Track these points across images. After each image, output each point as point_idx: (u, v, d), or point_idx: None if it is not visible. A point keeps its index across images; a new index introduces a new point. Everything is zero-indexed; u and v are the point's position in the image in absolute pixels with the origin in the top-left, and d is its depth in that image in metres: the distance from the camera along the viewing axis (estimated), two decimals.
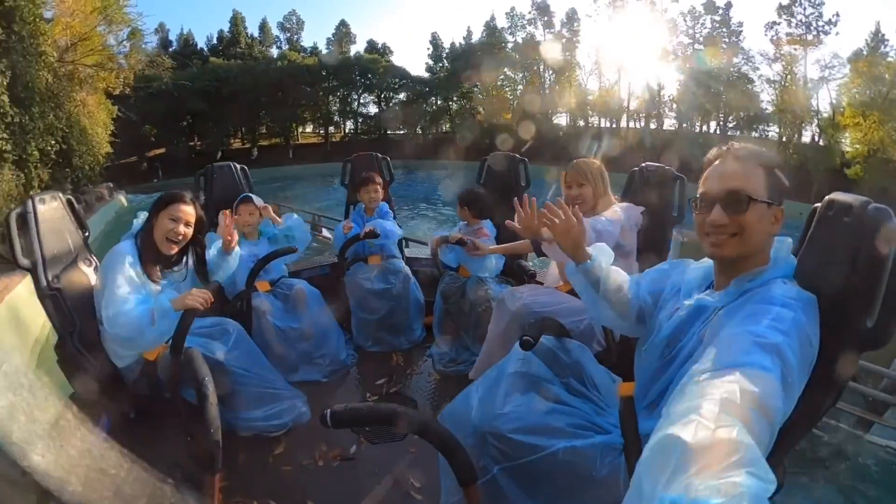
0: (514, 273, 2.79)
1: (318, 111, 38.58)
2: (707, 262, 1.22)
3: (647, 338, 1.31)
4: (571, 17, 35.42)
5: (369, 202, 3.06)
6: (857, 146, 21.84)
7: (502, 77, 37.25)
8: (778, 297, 0.97)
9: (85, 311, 1.83)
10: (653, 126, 32.98)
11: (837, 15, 25.88)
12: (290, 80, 34.70)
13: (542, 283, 2.40)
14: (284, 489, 1.81)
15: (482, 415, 1.31)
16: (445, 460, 1.06)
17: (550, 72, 36.31)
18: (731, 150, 1.11)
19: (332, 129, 39.88)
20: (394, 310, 2.89)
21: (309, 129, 40.70)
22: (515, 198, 1.66)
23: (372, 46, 40.75)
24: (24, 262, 1.75)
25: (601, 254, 1.39)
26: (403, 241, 6.01)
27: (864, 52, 23.79)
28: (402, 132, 39.47)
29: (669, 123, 32.78)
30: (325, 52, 39.79)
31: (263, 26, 40.57)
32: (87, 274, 1.98)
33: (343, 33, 40.74)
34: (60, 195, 2.03)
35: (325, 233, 9.08)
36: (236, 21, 39.44)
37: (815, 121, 25.98)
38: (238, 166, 3.13)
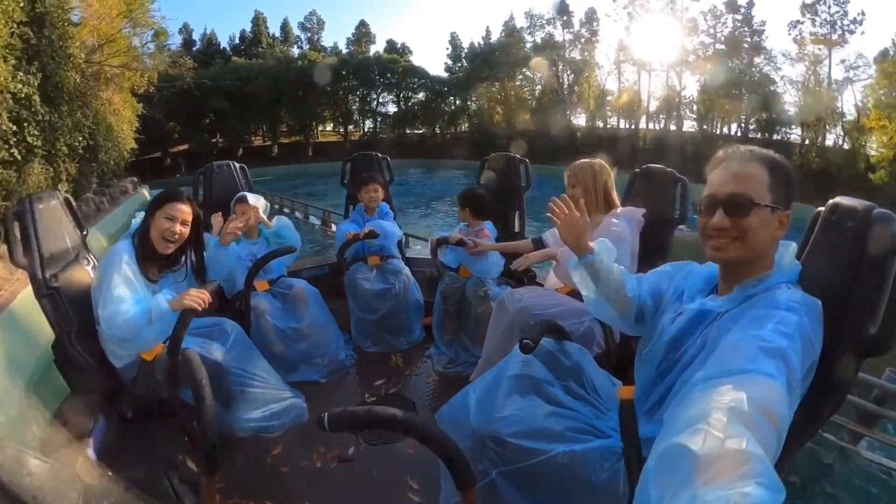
0: (514, 274, 2.72)
1: (338, 110, 38.95)
2: (711, 265, 1.20)
3: (649, 341, 1.29)
4: (590, 17, 35.18)
5: (369, 202, 3.05)
6: (883, 150, 20.99)
7: (520, 77, 37.06)
8: (782, 302, 0.96)
9: (83, 311, 1.82)
10: (672, 128, 32.44)
11: (863, 13, 25.32)
12: (310, 80, 35.01)
13: (542, 285, 2.37)
14: (282, 490, 1.79)
15: (481, 417, 1.30)
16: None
17: (569, 72, 35.97)
18: (737, 153, 1.09)
19: (351, 127, 40.17)
20: (393, 310, 2.87)
21: (329, 127, 41.02)
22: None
23: (391, 46, 41.04)
24: (22, 261, 1.75)
25: (604, 250, 1.39)
26: (405, 240, 6.05)
27: (891, 53, 22.98)
28: (420, 131, 39.61)
29: (689, 125, 32.22)
30: (345, 51, 40.13)
31: (285, 26, 41.31)
32: (85, 273, 1.96)
33: (363, 33, 41.13)
34: (58, 194, 2.02)
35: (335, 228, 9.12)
36: (258, 21, 40.19)
37: (839, 123, 25.28)
38: (237, 165, 3.13)
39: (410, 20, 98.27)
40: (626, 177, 2.37)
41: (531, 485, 1.19)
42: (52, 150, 9.01)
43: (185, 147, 33.04)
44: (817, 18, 25.91)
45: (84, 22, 13.13)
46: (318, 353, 2.58)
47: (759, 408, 0.71)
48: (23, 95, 7.70)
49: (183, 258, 2.01)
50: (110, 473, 1.56)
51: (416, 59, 43.52)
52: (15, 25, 7.50)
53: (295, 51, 40.78)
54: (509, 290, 2.35)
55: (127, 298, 1.72)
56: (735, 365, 0.82)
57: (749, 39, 29.07)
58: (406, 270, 2.99)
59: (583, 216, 1.40)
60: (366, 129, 40.85)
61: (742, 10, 29.44)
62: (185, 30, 38.82)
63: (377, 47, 41.55)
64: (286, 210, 15.31)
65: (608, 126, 35.32)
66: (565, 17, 35.83)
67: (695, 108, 31.73)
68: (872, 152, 22.05)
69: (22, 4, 7.70)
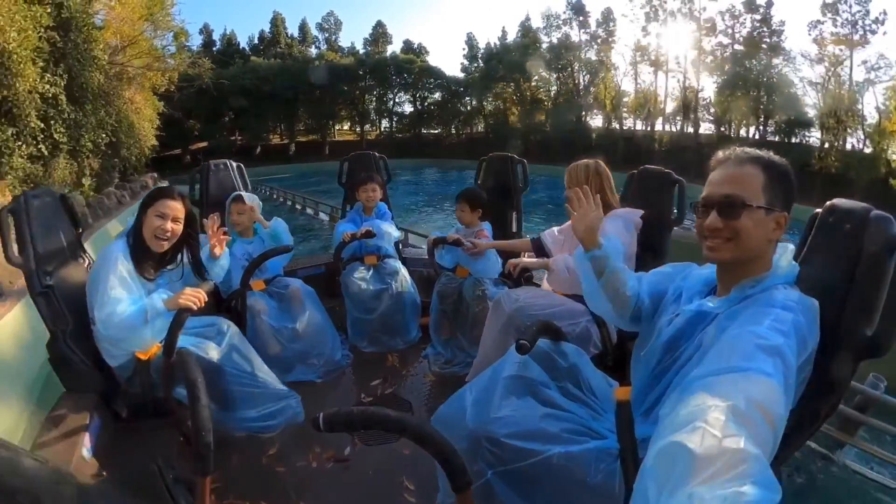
0: (512, 275, 2.70)
1: (355, 109, 39.14)
2: (710, 267, 1.20)
3: (646, 342, 1.29)
4: (607, 17, 34.83)
5: (367, 201, 3.02)
6: None
7: (536, 77, 36.82)
8: (779, 300, 0.97)
9: (78, 310, 1.80)
10: (689, 130, 31.90)
11: (885, 13, 24.47)
12: (327, 79, 35.26)
13: (538, 285, 2.34)
14: (278, 490, 1.77)
15: (477, 418, 1.29)
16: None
17: (585, 73, 35.64)
18: (733, 155, 1.09)
19: (367, 126, 40.32)
20: (390, 310, 2.84)
21: (346, 126, 41.24)
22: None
23: (408, 47, 41.15)
24: (17, 259, 1.73)
25: (611, 247, 1.38)
26: (406, 236, 6.00)
27: None
28: (436, 131, 39.60)
29: (706, 128, 31.70)
30: (362, 52, 40.31)
31: (303, 27, 41.64)
32: (81, 271, 1.95)
33: (380, 33, 41.29)
34: (54, 191, 2.01)
35: None
36: (277, 22, 40.49)
37: (860, 127, 24.54)
38: (234, 164, 3.13)
39: (427, 21, 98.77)
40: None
41: (527, 486, 1.19)
42: (76, 146, 9.48)
43: (204, 144, 33.48)
44: (838, 18, 25.19)
45: (107, 24, 13.40)
46: (315, 353, 2.56)
47: (756, 407, 0.72)
48: (50, 95, 8.15)
49: (179, 256, 2.00)
50: (105, 473, 1.57)
51: (433, 60, 43.75)
52: (43, 30, 7.88)
53: (313, 51, 41.24)
54: (506, 291, 2.33)
55: (123, 299, 1.71)
56: (732, 363, 0.82)
57: (768, 40, 28.44)
58: (403, 270, 2.97)
59: (598, 211, 1.38)
60: (382, 129, 41.01)
61: (761, 10, 28.81)
62: (206, 30, 39.59)
63: (394, 47, 41.92)
64: (298, 206, 15.43)
65: (624, 128, 34.86)
66: (581, 18, 35.52)
67: (712, 109, 31.17)
68: (894, 157, 21.43)
69: (49, 10, 8.12)
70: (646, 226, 2.09)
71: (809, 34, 26.85)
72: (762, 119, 28.84)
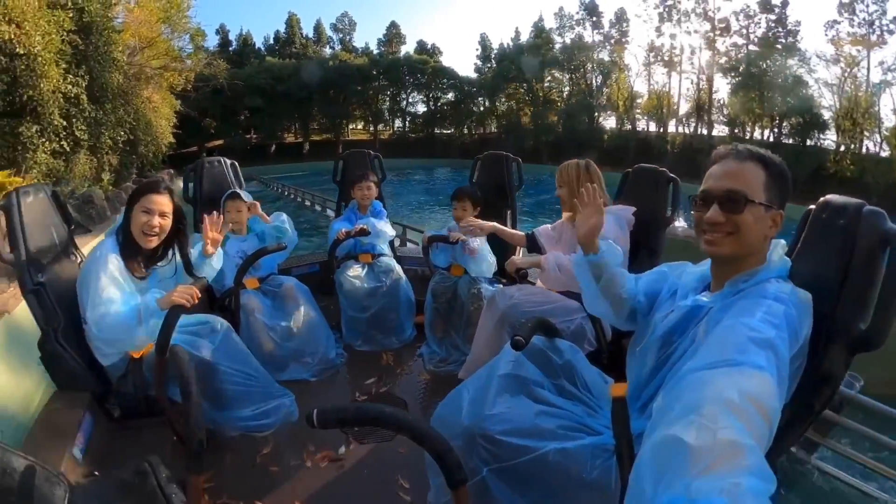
0: (506, 272, 2.66)
1: (369, 109, 39.18)
2: (704, 264, 1.21)
3: (641, 338, 1.30)
4: (620, 18, 34.37)
5: (362, 199, 3.00)
6: None
7: (549, 78, 36.50)
8: (771, 293, 0.97)
9: (69, 307, 1.77)
10: (703, 132, 31.25)
11: None
12: (341, 79, 35.43)
13: (533, 283, 2.32)
14: (272, 490, 1.74)
15: (472, 416, 1.28)
16: (432, 460, 1.03)
17: (597, 73, 35.23)
18: (736, 150, 1.09)
19: (381, 126, 40.38)
20: (384, 308, 2.81)
21: (360, 126, 41.30)
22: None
23: (422, 47, 41.12)
24: (8, 256, 1.71)
25: (610, 251, 1.38)
26: (404, 231, 5.98)
27: None
28: (449, 132, 39.50)
29: (720, 130, 30.80)
30: (375, 52, 40.35)
31: (317, 27, 41.76)
32: (73, 268, 1.91)
33: (393, 34, 41.31)
34: (45, 188, 1.97)
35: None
36: (292, 22, 40.75)
37: (877, 129, 23.76)
38: (228, 162, 3.10)
39: (441, 21, 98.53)
40: None
41: (522, 482, 1.18)
42: (96, 143, 9.91)
43: (220, 142, 33.79)
44: (855, 18, 24.44)
45: (126, 27, 13.76)
46: (309, 351, 2.52)
47: (750, 400, 0.72)
48: (72, 95, 8.51)
49: (169, 252, 1.95)
50: (97, 473, 1.55)
51: (446, 60, 43.72)
52: (65, 34, 8.26)
53: (327, 51, 41.32)
54: (500, 288, 2.33)
55: (115, 299, 1.68)
56: (725, 356, 0.82)
57: (783, 40, 27.73)
58: (397, 269, 2.93)
59: (601, 216, 1.38)
60: (395, 129, 41.03)
61: (776, 10, 28.10)
62: (222, 30, 39.85)
63: (408, 48, 41.85)
64: (308, 202, 15.51)
65: (637, 129, 34.31)
66: (595, 18, 35.10)
67: (725, 111, 30.41)
68: None
69: (71, 15, 8.47)
70: (640, 224, 2.07)
71: (825, 34, 26.05)
72: (777, 121, 28.03)
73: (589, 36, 35.68)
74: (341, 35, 42.36)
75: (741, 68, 28.21)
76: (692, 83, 32.05)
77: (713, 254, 1.09)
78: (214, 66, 19.86)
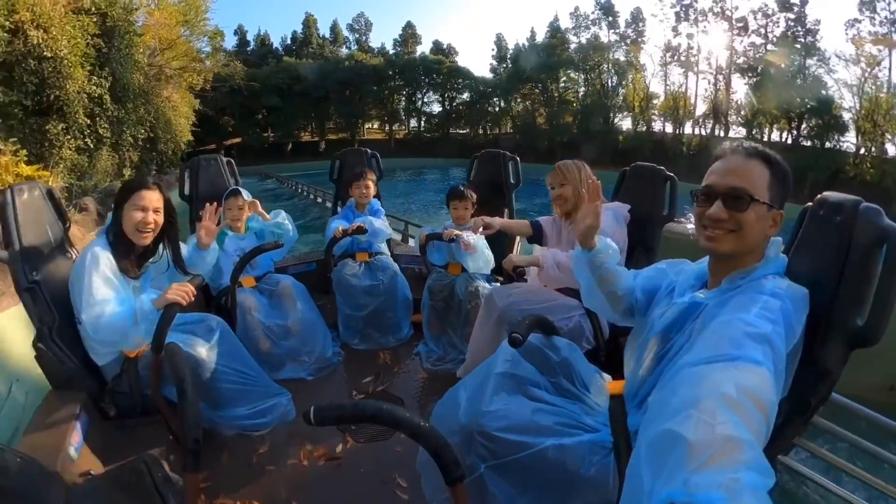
0: (503, 270, 2.61)
1: (384, 109, 39.21)
2: (702, 262, 1.20)
3: (639, 335, 1.29)
4: (636, 17, 33.78)
5: (360, 198, 2.96)
6: None
7: (564, 79, 36.07)
8: (767, 288, 0.97)
9: (64, 306, 1.73)
10: (720, 133, 30.41)
11: None
12: (357, 79, 35.54)
13: (525, 281, 2.30)
14: (268, 489, 1.72)
15: (469, 413, 1.27)
16: (425, 460, 1.05)
17: (613, 73, 34.69)
18: (741, 148, 1.08)
19: (396, 126, 40.37)
20: (381, 307, 2.77)
21: (375, 125, 41.38)
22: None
23: (437, 47, 41.11)
24: (2, 253, 1.68)
25: (607, 248, 1.38)
26: (405, 227, 5.94)
27: None
28: (464, 132, 39.33)
29: (736, 131, 29.88)
30: (391, 52, 40.33)
31: (334, 28, 41.90)
32: (68, 267, 1.84)
33: (409, 34, 41.28)
34: (40, 185, 1.94)
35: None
36: (309, 23, 40.94)
37: None
38: (224, 159, 3.08)
39: (457, 21, 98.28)
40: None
41: (520, 479, 1.16)
42: (118, 140, 10.36)
43: (238, 140, 34.07)
44: (876, 16, 23.58)
45: (146, 29, 14.05)
46: (305, 350, 2.49)
47: (747, 394, 0.72)
48: (96, 95, 8.92)
49: (160, 247, 1.91)
50: (92, 472, 1.52)
51: (462, 60, 43.57)
52: (90, 38, 8.67)
53: (344, 51, 41.39)
54: (498, 286, 2.30)
55: (109, 299, 1.64)
56: (722, 350, 0.82)
57: (802, 39, 26.87)
58: (394, 267, 2.89)
59: (598, 215, 1.37)
60: (411, 128, 40.95)
61: (795, 9, 27.20)
62: (241, 31, 40.33)
63: (423, 48, 41.86)
64: (319, 199, 15.60)
65: (652, 130, 33.64)
66: (610, 18, 34.56)
67: (742, 112, 29.56)
68: None
69: (95, 20, 8.92)
70: (637, 222, 2.07)
71: (846, 33, 25.01)
72: (795, 122, 27.07)
73: (605, 36, 35.16)
74: (357, 35, 42.54)
75: (759, 68, 27.46)
76: (709, 83, 31.37)
77: (713, 250, 1.08)
78: (231, 67, 20.22)
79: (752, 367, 0.78)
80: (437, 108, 40.68)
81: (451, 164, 32.97)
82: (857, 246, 1.01)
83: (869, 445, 1.69)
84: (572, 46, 35.84)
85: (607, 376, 1.45)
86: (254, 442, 1.93)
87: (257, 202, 2.63)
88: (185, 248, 2.04)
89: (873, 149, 23.14)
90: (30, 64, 7.34)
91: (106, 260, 1.69)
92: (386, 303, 2.78)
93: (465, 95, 39.83)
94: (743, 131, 29.14)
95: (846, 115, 24.73)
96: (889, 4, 23.01)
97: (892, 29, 23.21)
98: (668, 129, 33.00)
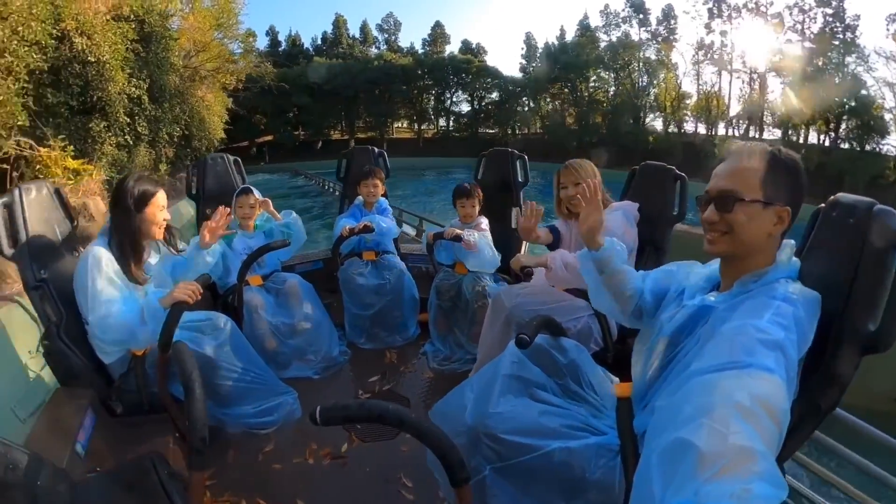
0: (511, 270, 2.55)
1: (413, 108, 39.24)
2: (713, 264, 1.17)
3: (647, 338, 1.25)
4: (668, 14, 32.76)
5: (368, 196, 2.91)
6: None
7: (594, 78, 35.25)
8: (780, 294, 0.93)
9: (72, 304, 1.72)
10: (754, 134, 29.08)
11: None
12: (386, 79, 35.69)
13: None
14: (274, 488, 1.70)
15: (475, 414, 1.26)
16: (435, 458, 1.00)
17: (644, 73, 33.71)
18: (739, 148, 1.07)
19: (425, 125, 40.34)
20: (388, 306, 2.72)
21: (404, 125, 41.43)
22: (531, 203, 1.91)
23: (466, 47, 40.79)
24: (10, 252, 1.67)
25: (613, 248, 1.36)
26: (420, 223, 5.85)
27: None
28: (492, 131, 38.97)
29: (771, 133, 28.52)
30: (420, 52, 40.32)
31: (363, 28, 41.97)
32: (75, 265, 1.79)
33: (438, 34, 41.10)
34: (48, 184, 1.94)
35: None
36: (339, 23, 41.08)
37: None
38: (231, 158, 3.06)
39: (486, 20, 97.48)
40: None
41: (525, 481, 1.16)
42: (155, 137, 10.83)
43: (269, 138, 34.67)
44: None
45: (181, 33, 14.41)
46: (312, 349, 2.45)
47: (760, 403, 0.69)
48: (135, 96, 9.40)
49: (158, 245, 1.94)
50: (99, 469, 1.52)
51: (491, 60, 43.17)
52: (129, 43, 9.21)
53: (373, 51, 41.36)
54: (506, 287, 2.25)
55: (115, 299, 1.64)
56: (734, 357, 0.79)
57: (840, 36, 25.48)
58: (401, 266, 2.83)
59: (601, 212, 1.37)
60: (439, 128, 40.82)
61: (833, 4, 25.80)
62: (272, 32, 40.81)
63: (452, 47, 41.65)
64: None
65: (684, 131, 32.49)
66: (641, 15, 33.60)
67: (778, 112, 27.91)
68: None
69: (134, 26, 9.47)
70: (647, 221, 2.01)
71: (887, 29, 23.44)
72: (832, 124, 25.43)
73: (635, 34, 34.20)
74: (387, 35, 42.51)
75: (795, 66, 26.09)
76: (743, 83, 30.08)
77: (711, 252, 1.06)
78: (262, 68, 20.62)
79: (764, 374, 0.75)
80: (465, 107, 40.49)
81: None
82: (871, 249, 0.97)
83: (853, 455, 1.62)
84: (602, 45, 35.02)
85: (615, 378, 1.41)
86: (259, 440, 1.91)
87: (269, 201, 2.61)
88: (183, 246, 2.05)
89: None
90: (75, 68, 7.76)
91: (108, 260, 1.69)
92: (393, 302, 2.73)
93: (494, 95, 39.49)
94: (778, 133, 27.81)
95: (887, 116, 23.31)
96: None
97: None
98: (701, 129, 31.86)
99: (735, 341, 0.83)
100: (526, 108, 38.99)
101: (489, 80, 38.66)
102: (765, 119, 28.96)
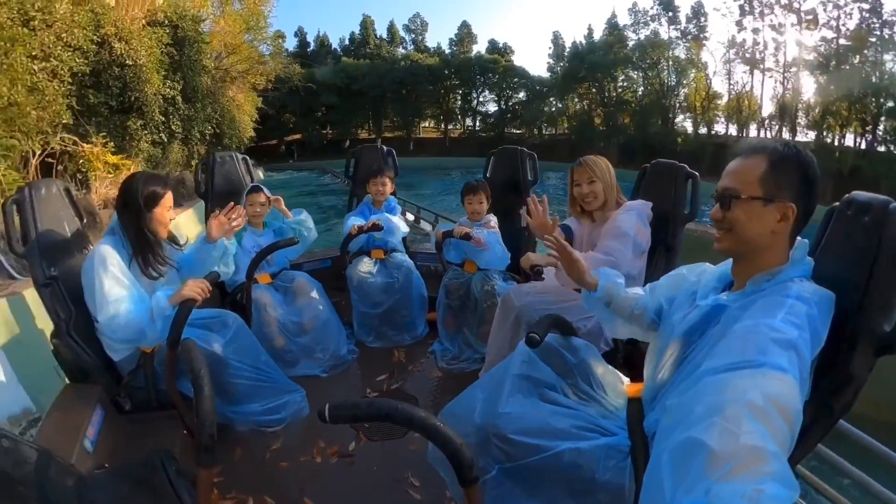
0: (521, 269, 2.49)
1: (440, 108, 39.11)
2: (725, 265, 1.15)
3: (659, 338, 1.23)
4: (698, 12, 31.55)
5: (377, 195, 2.87)
6: None
7: (622, 78, 34.41)
8: (793, 292, 0.91)
9: (81, 301, 1.71)
10: (786, 136, 27.70)
11: None
12: (413, 79, 35.64)
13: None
14: (281, 486, 1.69)
15: (485, 414, 1.24)
16: (437, 456, 1.02)
17: (672, 72, 32.65)
18: (744, 147, 1.05)
19: (452, 125, 40.11)
20: (396, 305, 2.67)
21: (431, 124, 41.36)
22: (532, 196, 1.80)
23: (493, 46, 40.38)
24: (21, 249, 1.67)
25: (607, 279, 1.37)
26: (436, 218, 5.78)
27: None
28: (519, 131, 38.55)
29: (804, 135, 26.39)
30: (447, 52, 40.01)
31: (390, 28, 41.57)
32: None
33: (465, 34, 40.73)
34: (58, 182, 1.93)
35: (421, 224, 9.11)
36: (366, 24, 40.80)
37: None
38: (240, 156, 3.05)
39: (513, 20, 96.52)
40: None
41: (535, 482, 1.14)
42: (188, 135, 11.34)
43: (298, 136, 35.00)
44: None
45: (213, 36, 14.76)
46: (320, 347, 2.42)
47: (773, 403, 0.69)
48: (169, 96, 9.95)
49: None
50: (107, 465, 1.52)
51: (518, 59, 42.64)
52: (164, 47, 9.74)
53: (400, 51, 40.94)
54: (515, 286, 2.20)
55: (123, 298, 1.62)
56: (747, 356, 0.77)
57: (878, 32, 23.96)
58: (410, 264, 2.79)
59: (575, 257, 1.39)
60: (466, 127, 40.48)
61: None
62: (301, 33, 40.67)
63: (479, 47, 41.08)
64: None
65: (714, 132, 31.03)
66: (671, 13, 32.50)
67: (812, 113, 25.99)
68: None
69: (168, 31, 10.01)
70: (658, 220, 1.95)
71: None
72: (869, 125, 23.45)
73: (664, 32, 32.92)
74: (413, 35, 42.06)
75: (830, 65, 24.76)
76: (776, 82, 28.70)
77: (718, 250, 1.06)
78: (290, 69, 21.06)
79: (777, 374, 0.74)
80: (492, 107, 39.93)
81: None
82: (887, 248, 0.94)
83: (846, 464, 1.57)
84: (630, 44, 33.92)
85: (625, 378, 1.39)
86: (267, 438, 1.89)
87: (280, 199, 2.60)
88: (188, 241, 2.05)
89: None
90: (114, 70, 8.23)
91: (114, 259, 1.66)
92: (401, 300, 2.69)
93: (521, 95, 38.87)
94: (812, 135, 26.18)
95: None
96: None
97: None
98: (732, 131, 30.58)
99: (748, 340, 0.81)
100: (553, 108, 38.24)
101: (516, 79, 38.08)
102: (798, 120, 27.58)
